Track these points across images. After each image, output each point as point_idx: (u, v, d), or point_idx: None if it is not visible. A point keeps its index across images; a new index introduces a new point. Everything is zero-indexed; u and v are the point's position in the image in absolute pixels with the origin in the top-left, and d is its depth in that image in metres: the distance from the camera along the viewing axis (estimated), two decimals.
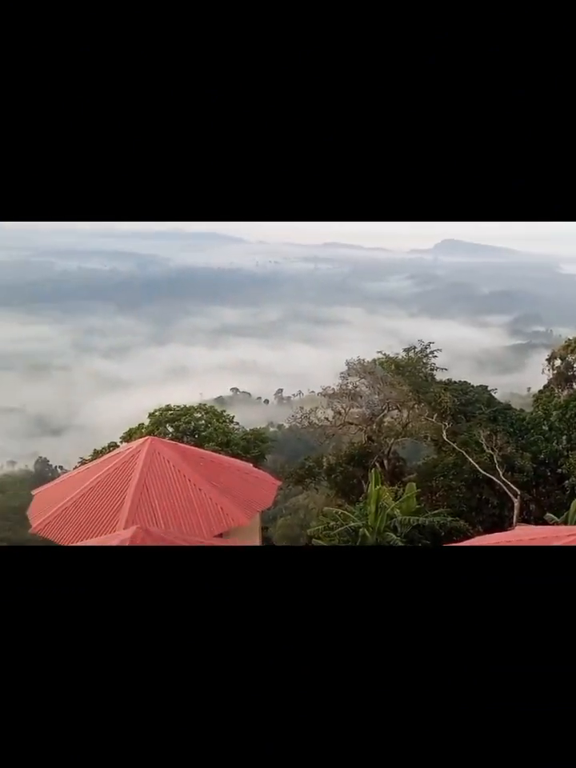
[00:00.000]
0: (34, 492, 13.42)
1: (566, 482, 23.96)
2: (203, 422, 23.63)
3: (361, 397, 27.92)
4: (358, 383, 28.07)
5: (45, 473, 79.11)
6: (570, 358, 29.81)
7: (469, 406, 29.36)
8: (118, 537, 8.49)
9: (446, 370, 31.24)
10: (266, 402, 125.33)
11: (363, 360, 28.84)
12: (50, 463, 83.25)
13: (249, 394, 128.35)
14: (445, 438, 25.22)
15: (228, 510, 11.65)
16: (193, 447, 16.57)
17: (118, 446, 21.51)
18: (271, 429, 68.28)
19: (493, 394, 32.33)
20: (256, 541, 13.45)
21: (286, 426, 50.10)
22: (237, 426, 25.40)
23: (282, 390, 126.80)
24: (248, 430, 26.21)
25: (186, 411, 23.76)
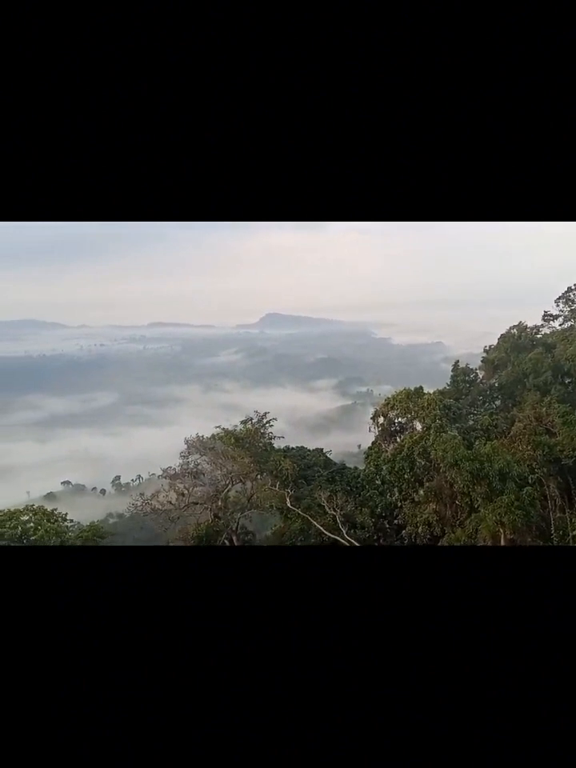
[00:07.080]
0: None
1: (404, 531, 25.35)
2: (32, 524, 21.34)
3: (203, 474, 27.38)
4: (199, 461, 27.58)
5: None
6: (391, 414, 32.29)
7: (308, 470, 30.23)
8: None
9: (283, 437, 31.95)
10: (102, 492, 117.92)
11: (202, 436, 28.51)
12: None
13: (82, 486, 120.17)
14: (289, 504, 25.51)
15: None
16: None
17: None
18: (111, 520, 64.10)
19: (328, 455, 33.73)
20: None
21: (127, 515, 47.33)
22: (71, 524, 23.29)
23: (119, 476, 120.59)
24: (85, 525, 24.14)
25: (11, 516, 21.34)
